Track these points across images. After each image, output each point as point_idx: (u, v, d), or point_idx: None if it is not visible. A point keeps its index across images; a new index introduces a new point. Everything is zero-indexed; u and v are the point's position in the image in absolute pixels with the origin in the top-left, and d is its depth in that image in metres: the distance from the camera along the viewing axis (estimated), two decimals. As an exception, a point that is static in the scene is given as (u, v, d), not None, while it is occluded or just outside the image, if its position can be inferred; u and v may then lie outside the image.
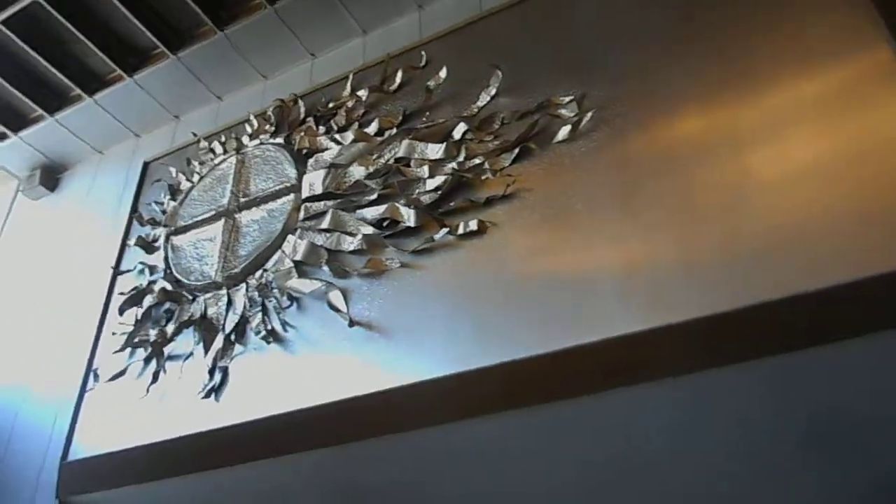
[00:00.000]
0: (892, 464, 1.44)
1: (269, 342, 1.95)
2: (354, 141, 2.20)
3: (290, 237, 2.14)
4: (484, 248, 1.75)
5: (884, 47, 1.50)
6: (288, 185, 2.26)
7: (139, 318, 2.30)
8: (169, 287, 2.32)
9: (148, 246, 2.53)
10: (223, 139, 2.66)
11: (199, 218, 2.45)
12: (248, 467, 1.77)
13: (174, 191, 2.66)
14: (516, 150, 1.84)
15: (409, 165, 2.01)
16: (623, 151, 1.71)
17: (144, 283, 2.41)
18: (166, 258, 2.44)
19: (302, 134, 2.37)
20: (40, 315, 2.73)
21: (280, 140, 2.44)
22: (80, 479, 2.06)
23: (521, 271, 1.66)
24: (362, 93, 2.34)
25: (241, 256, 2.21)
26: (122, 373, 2.22)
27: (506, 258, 1.70)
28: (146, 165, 2.91)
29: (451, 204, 1.86)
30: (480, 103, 2.03)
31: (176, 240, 2.47)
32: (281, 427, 1.76)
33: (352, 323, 1.81)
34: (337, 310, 1.87)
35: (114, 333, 2.34)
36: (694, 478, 1.56)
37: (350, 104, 2.34)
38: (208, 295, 2.21)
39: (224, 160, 2.58)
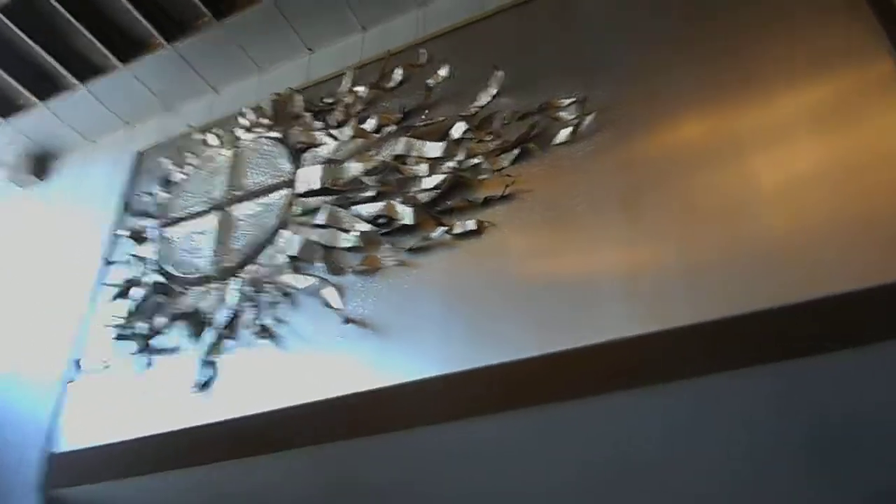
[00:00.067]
0: (892, 470, 1.45)
1: (261, 337, 1.93)
2: (352, 137, 2.18)
3: (284, 232, 2.11)
4: (482, 248, 1.74)
5: (885, 58, 1.52)
6: (283, 179, 2.24)
7: (129, 310, 2.27)
8: (160, 279, 2.29)
9: (139, 237, 2.49)
10: (218, 131, 2.63)
11: (192, 210, 2.42)
12: (238, 464, 1.76)
13: (167, 182, 2.62)
14: (516, 151, 1.84)
15: (406, 163, 1.99)
16: (625, 155, 1.71)
17: (135, 275, 2.37)
18: (157, 250, 2.40)
19: (298, 128, 2.34)
20: (26, 305, 2.68)
21: (276, 134, 2.42)
22: (65, 473, 2.03)
23: (519, 272, 1.66)
24: (361, 89, 2.32)
25: (234, 250, 2.18)
26: (110, 365, 2.18)
27: (504, 259, 1.69)
28: (139, 155, 2.86)
29: (449, 203, 1.85)
30: (480, 103, 2.02)
31: (168, 232, 2.44)
32: (272, 424, 1.75)
33: (346, 320, 1.80)
34: (331, 306, 1.85)
35: (102, 325, 2.31)
36: (692, 482, 1.56)
37: (348, 100, 2.32)
38: (200, 288, 2.18)
39: (219, 153, 2.55)
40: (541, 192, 1.76)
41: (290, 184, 2.21)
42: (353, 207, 2.00)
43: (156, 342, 2.15)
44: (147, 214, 2.56)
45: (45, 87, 2.97)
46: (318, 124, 2.32)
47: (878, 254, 1.31)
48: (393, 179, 1.97)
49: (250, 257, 2.13)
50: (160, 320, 2.19)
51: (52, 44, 2.79)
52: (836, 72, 1.57)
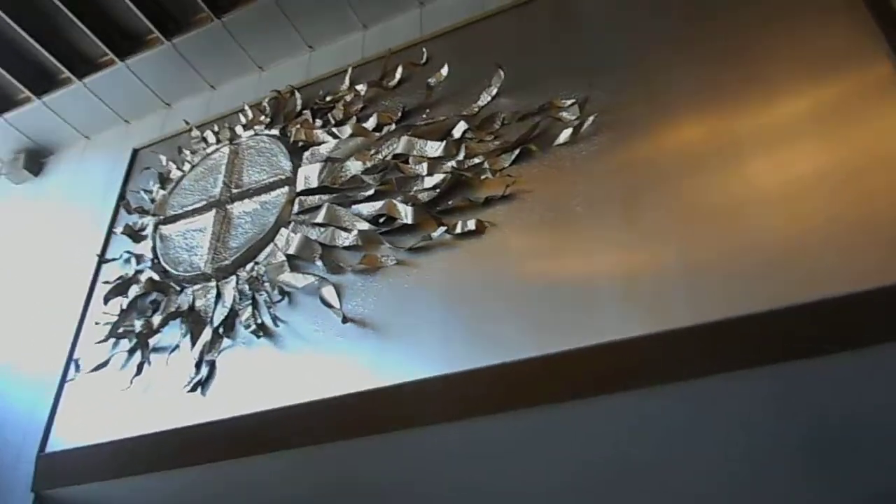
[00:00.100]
0: (890, 473, 1.45)
1: (258, 336, 1.92)
2: (352, 135, 2.17)
3: (283, 230, 2.10)
4: (482, 248, 1.73)
5: (884, 60, 1.52)
6: (282, 177, 2.23)
7: (124, 307, 2.25)
8: (156, 277, 2.27)
9: (135, 234, 2.47)
10: (216, 129, 2.62)
11: (190, 208, 2.41)
12: (234, 464, 1.74)
13: (164, 179, 2.60)
14: (517, 151, 1.83)
15: (407, 162, 1.98)
16: (625, 156, 1.71)
17: (130, 273, 2.36)
18: (154, 248, 2.38)
19: (298, 126, 2.33)
20: (20, 302, 2.65)
21: (275, 132, 2.41)
22: (57, 473, 2.00)
23: (519, 273, 1.65)
24: (361, 87, 2.31)
25: (232, 248, 2.17)
26: (104, 363, 2.16)
27: (504, 259, 1.69)
28: (135, 152, 2.85)
29: (450, 202, 1.85)
30: (481, 103, 2.02)
31: (164, 229, 2.42)
32: (269, 424, 1.73)
33: (345, 319, 1.79)
34: (330, 305, 1.84)
35: (97, 323, 2.29)
36: (691, 482, 1.56)
37: (348, 98, 2.31)
38: (197, 286, 2.17)
39: (217, 150, 2.53)
40: (541, 192, 1.75)
41: (289, 182, 2.20)
42: (353, 206, 1.99)
43: (151, 340, 2.13)
44: (144, 212, 2.54)
45: (42, 82, 2.95)
46: (318, 122, 2.31)
47: (877, 256, 1.31)
48: (393, 178, 1.96)
49: (248, 255, 2.11)
50: (156, 318, 2.17)
51: (50, 40, 2.77)
52: (835, 74, 1.57)
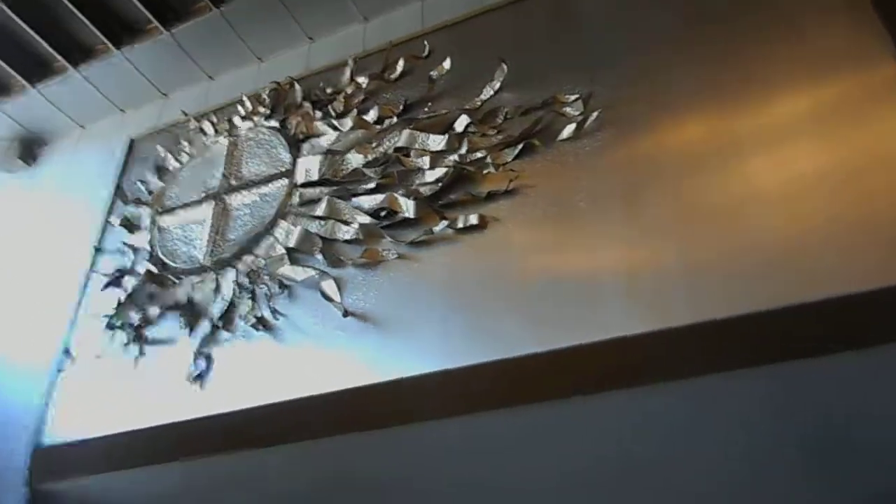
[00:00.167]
0: (891, 473, 1.46)
1: (257, 330, 1.90)
2: (353, 128, 2.15)
3: (282, 223, 2.09)
4: (484, 242, 1.73)
5: (889, 61, 1.52)
6: (282, 169, 2.21)
7: (121, 300, 2.23)
8: (153, 269, 2.25)
9: (131, 226, 2.45)
10: (215, 119, 2.59)
11: (188, 199, 2.38)
12: (232, 458, 1.73)
13: (161, 170, 2.58)
14: (520, 146, 1.82)
15: (408, 155, 1.97)
16: (628, 153, 1.70)
17: (127, 264, 2.33)
18: (151, 239, 2.36)
19: (298, 118, 2.31)
20: (13, 293, 2.62)
21: (275, 123, 2.38)
22: (52, 466, 1.98)
23: (521, 268, 1.64)
24: (362, 79, 2.29)
25: (230, 240, 2.15)
26: (100, 356, 2.14)
27: (506, 254, 1.68)
28: (132, 142, 2.81)
29: (452, 197, 1.84)
30: (484, 96, 2.01)
31: (162, 221, 2.40)
32: (268, 418, 1.72)
33: (345, 313, 1.78)
34: (330, 299, 1.83)
35: (93, 315, 2.26)
36: (693, 480, 1.57)
37: (349, 90, 2.29)
38: (195, 279, 2.15)
39: (215, 141, 2.51)
40: (544, 187, 1.74)
41: (289, 174, 2.18)
42: (354, 199, 1.97)
43: (148, 333, 2.12)
44: (140, 202, 2.51)
45: (37, 70, 2.91)
46: (319, 114, 2.29)
47: (877, 257, 1.31)
48: (394, 172, 1.95)
49: (247, 248, 2.10)
50: (153, 310, 2.16)
51: (45, 26, 2.72)
52: (838, 74, 1.57)
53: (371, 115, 2.15)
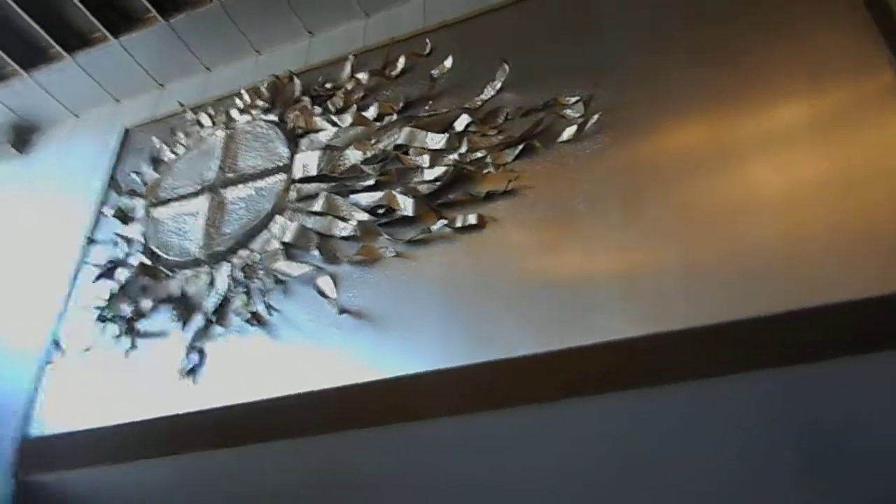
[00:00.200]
0: (886, 480, 1.47)
1: (251, 325, 1.89)
2: (352, 124, 2.14)
3: (279, 218, 2.07)
4: (482, 242, 1.72)
5: (886, 69, 1.53)
6: (279, 164, 2.19)
7: (113, 291, 2.20)
8: (146, 261, 2.23)
9: (125, 216, 2.42)
10: (212, 111, 2.57)
11: (183, 191, 2.36)
12: (223, 453, 1.71)
13: (156, 161, 2.55)
14: (520, 147, 1.82)
15: (408, 153, 1.96)
16: (627, 156, 1.70)
17: (120, 256, 2.31)
18: (144, 231, 2.34)
19: (297, 113, 2.30)
20: (2, 282, 2.59)
21: (273, 117, 2.37)
22: (40, 458, 1.96)
23: (520, 269, 1.64)
24: (362, 76, 2.28)
25: (225, 234, 2.13)
26: (90, 348, 2.12)
27: (504, 254, 1.68)
28: (127, 132, 2.78)
29: (451, 196, 1.83)
30: (485, 96, 2.00)
31: (156, 212, 2.37)
32: (261, 414, 1.71)
33: (341, 310, 1.77)
34: (325, 296, 1.81)
35: (83, 306, 2.24)
36: (691, 481, 1.57)
37: (349, 86, 2.28)
38: (188, 272, 2.13)
39: (212, 133, 2.49)
40: (543, 189, 1.74)
41: (286, 168, 2.16)
42: (352, 196, 1.96)
43: (140, 326, 2.10)
44: (134, 193, 2.49)
45: (32, 57, 2.86)
46: (318, 109, 2.27)
47: (877, 265, 1.32)
48: (393, 169, 1.94)
49: (242, 242, 2.08)
50: (145, 303, 2.13)
51: (40, 12, 2.68)
52: (836, 81, 1.58)
53: (371, 112, 2.14)
